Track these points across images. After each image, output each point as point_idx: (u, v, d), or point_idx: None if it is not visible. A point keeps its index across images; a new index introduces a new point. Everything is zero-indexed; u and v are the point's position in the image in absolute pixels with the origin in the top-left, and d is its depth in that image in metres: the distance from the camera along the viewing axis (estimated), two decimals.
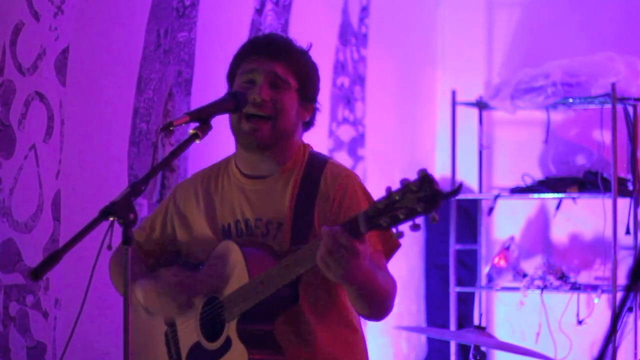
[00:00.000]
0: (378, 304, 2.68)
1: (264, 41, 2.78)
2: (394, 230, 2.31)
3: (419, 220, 2.28)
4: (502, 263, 5.62)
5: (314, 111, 2.81)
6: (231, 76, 2.79)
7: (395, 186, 2.30)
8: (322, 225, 2.51)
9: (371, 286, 2.57)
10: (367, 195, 2.74)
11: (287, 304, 2.66)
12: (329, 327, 2.74)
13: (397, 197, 2.27)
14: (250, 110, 2.69)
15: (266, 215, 2.73)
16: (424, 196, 2.23)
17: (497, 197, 5.59)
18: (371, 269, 2.54)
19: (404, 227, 2.31)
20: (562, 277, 5.44)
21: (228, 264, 2.68)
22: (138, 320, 2.84)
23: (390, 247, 2.76)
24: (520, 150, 5.78)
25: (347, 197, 2.70)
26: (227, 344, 2.66)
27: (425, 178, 2.24)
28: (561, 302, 5.48)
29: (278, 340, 2.66)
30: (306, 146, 2.82)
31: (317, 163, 2.77)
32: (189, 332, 2.79)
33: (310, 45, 2.81)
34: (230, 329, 2.65)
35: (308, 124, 2.83)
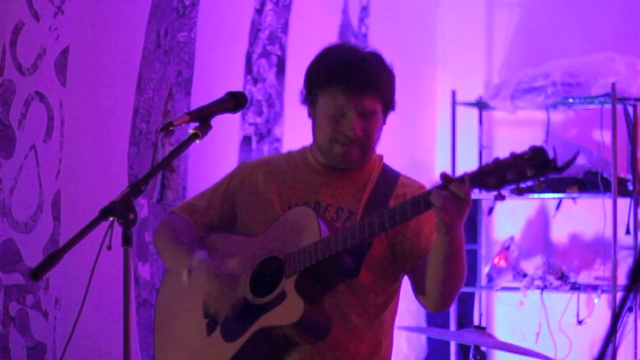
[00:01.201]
0: (456, 279, 2.78)
1: (354, 77, 2.78)
2: (495, 192, 2.38)
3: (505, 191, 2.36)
4: (502, 263, 5.62)
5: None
6: (312, 92, 2.81)
7: None
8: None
9: (460, 247, 2.65)
10: None
11: (348, 274, 2.68)
12: (370, 321, 2.80)
13: (505, 163, 2.36)
14: (344, 141, 2.75)
15: (339, 202, 2.79)
16: (536, 163, 2.32)
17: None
18: (462, 233, 2.63)
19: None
20: (562, 277, 5.44)
21: (299, 225, 2.70)
22: (173, 281, 2.83)
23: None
24: (520, 150, 5.77)
25: None
26: (281, 296, 2.64)
27: (536, 149, 2.33)
28: (561, 302, 5.48)
29: (327, 311, 2.67)
30: (379, 157, 2.91)
31: (391, 171, 2.89)
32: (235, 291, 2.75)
33: (381, 55, 2.89)
34: (287, 283, 2.64)
35: None
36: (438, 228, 2.57)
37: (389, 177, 2.86)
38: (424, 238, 2.77)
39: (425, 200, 2.51)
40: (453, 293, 2.81)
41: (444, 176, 2.49)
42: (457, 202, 2.47)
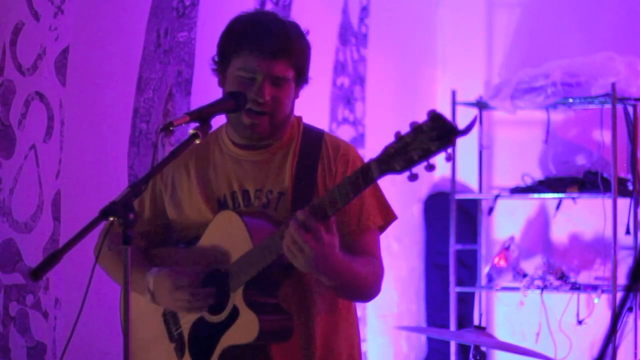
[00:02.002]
0: (357, 293, 2.69)
1: (265, 38, 2.70)
2: (407, 172, 2.27)
3: (433, 160, 2.24)
4: (502, 263, 5.62)
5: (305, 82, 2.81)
6: (224, 57, 2.75)
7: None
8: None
9: (346, 277, 2.57)
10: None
11: (291, 270, 2.64)
12: (328, 294, 2.73)
13: (408, 139, 2.24)
14: (252, 108, 2.69)
15: (267, 186, 2.73)
16: (437, 134, 2.19)
17: (497, 197, 5.59)
18: (345, 259, 2.54)
19: (419, 169, 2.26)
20: (562, 277, 5.44)
21: (229, 233, 2.67)
22: (134, 303, 2.82)
23: (388, 220, 2.76)
24: (520, 150, 5.78)
25: (349, 168, 2.70)
26: (235, 313, 2.64)
27: (435, 117, 2.20)
28: (561, 302, 5.48)
29: (283, 305, 2.66)
30: (299, 118, 2.82)
31: (314, 134, 2.79)
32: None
33: (308, 31, 2.78)
34: (237, 298, 2.63)
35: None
36: (303, 270, 2.51)
37: (312, 141, 2.76)
38: (354, 218, 2.71)
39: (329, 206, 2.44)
40: (364, 296, 2.74)
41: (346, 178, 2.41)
42: (308, 238, 2.41)
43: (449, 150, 2.20)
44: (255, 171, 2.76)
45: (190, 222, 2.81)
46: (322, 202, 2.45)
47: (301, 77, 2.76)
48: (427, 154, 2.21)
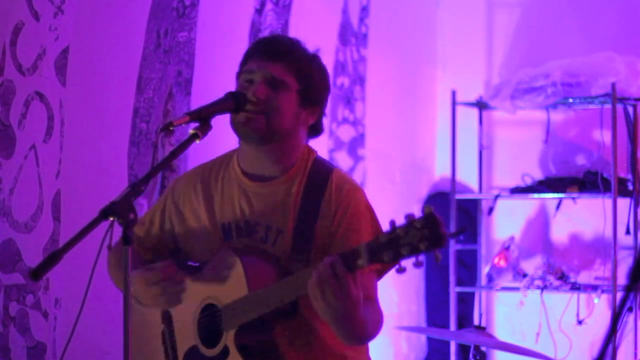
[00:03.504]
0: (357, 340, 2.66)
1: (264, 42, 2.79)
2: (396, 266, 2.30)
3: (422, 257, 2.28)
4: (502, 263, 5.62)
5: (319, 115, 2.79)
6: (238, 75, 2.79)
7: (398, 218, 2.29)
8: (321, 237, 2.52)
9: (357, 328, 2.55)
10: (370, 212, 2.73)
11: (286, 316, 2.64)
12: (329, 336, 2.70)
13: (400, 233, 2.27)
14: (247, 107, 2.68)
15: (266, 221, 2.72)
16: (427, 235, 2.23)
17: (497, 197, 5.59)
18: (363, 319, 2.51)
19: (407, 263, 2.30)
20: (562, 277, 5.44)
21: (227, 273, 2.67)
22: (135, 317, 2.83)
23: (386, 266, 2.71)
24: (520, 150, 5.78)
25: (348, 215, 2.68)
26: (225, 352, 2.65)
27: (429, 217, 2.23)
28: (561, 302, 5.48)
29: (278, 346, 2.65)
30: (311, 151, 2.80)
31: (322, 170, 2.76)
32: (186, 334, 2.78)
33: (317, 50, 2.81)
34: (228, 339, 2.64)
35: (315, 129, 2.80)
36: (323, 317, 2.49)
37: (319, 180, 2.74)
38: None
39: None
40: (359, 342, 2.71)
41: (339, 254, 2.41)
42: (334, 283, 2.39)
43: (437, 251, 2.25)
44: (258, 204, 2.74)
45: (196, 244, 2.82)
46: (356, 252, 2.41)
47: (307, 94, 2.72)
48: (415, 251, 2.26)
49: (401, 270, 2.30)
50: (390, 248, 2.29)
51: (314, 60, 2.77)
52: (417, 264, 2.28)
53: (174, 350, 2.82)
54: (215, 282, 2.71)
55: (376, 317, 2.67)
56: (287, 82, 2.69)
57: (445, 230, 2.22)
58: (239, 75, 2.77)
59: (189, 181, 2.88)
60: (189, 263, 2.87)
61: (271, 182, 2.75)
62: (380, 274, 2.74)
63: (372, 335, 2.66)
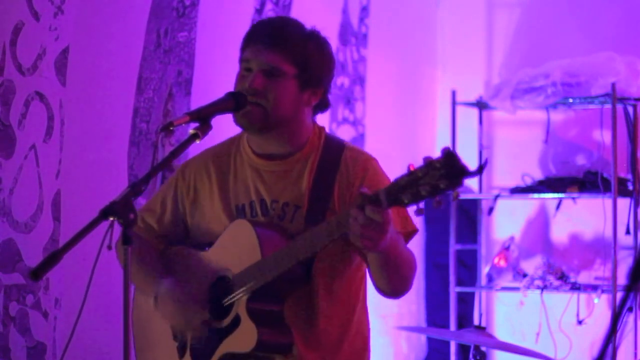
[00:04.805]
0: (402, 275, 2.66)
1: (262, 29, 2.74)
2: (414, 207, 2.28)
3: (422, 204, 2.27)
4: (502, 263, 5.62)
5: (324, 93, 2.78)
6: (240, 61, 2.77)
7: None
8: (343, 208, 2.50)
9: (396, 253, 2.56)
10: (387, 178, 2.71)
11: (299, 284, 2.64)
12: (339, 308, 2.73)
13: (420, 174, 2.25)
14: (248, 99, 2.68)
15: (283, 197, 2.72)
16: (447, 172, 2.20)
17: (497, 197, 5.59)
18: (396, 237, 2.53)
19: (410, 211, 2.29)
20: (562, 277, 5.44)
21: (240, 242, 2.66)
22: (146, 300, 2.83)
23: (409, 231, 2.73)
24: (520, 150, 5.78)
25: (367, 179, 2.69)
26: (236, 321, 2.64)
27: (449, 155, 2.20)
28: (561, 302, 5.48)
29: (286, 320, 2.65)
30: (322, 129, 2.80)
31: (334, 146, 2.76)
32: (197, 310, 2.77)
33: (318, 32, 2.77)
34: (240, 306, 2.63)
35: (320, 106, 2.80)
36: (361, 250, 2.51)
37: (332, 153, 2.74)
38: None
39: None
40: (405, 281, 2.70)
41: (360, 196, 2.39)
42: (375, 226, 2.38)
43: (438, 198, 2.24)
44: (273, 182, 2.74)
45: (209, 228, 2.81)
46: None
47: (306, 77, 2.71)
48: (435, 190, 2.23)
49: (420, 213, 2.28)
50: (409, 189, 2.27)
51: (310, 40, 2.73)
52: (418, 212, 2.26)
53: (184, 334, 2.79)
54: (227, 253, 2.70)
55: (412, 255, 2.67)
56: (283, 70, 2.67)
57: (465, 165, 2.20)
58: (240, 61, 2.76)
59: (201, 163, 2.86)
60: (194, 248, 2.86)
61: (285, 160, 2.75)
62: (406, 240, 2.72)
63: (413, 270, 2.66)
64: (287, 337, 2.65)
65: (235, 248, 2.69)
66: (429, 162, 2.23)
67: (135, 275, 2.88)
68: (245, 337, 2.61)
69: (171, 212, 2.88)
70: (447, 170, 2.20)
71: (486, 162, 2.29)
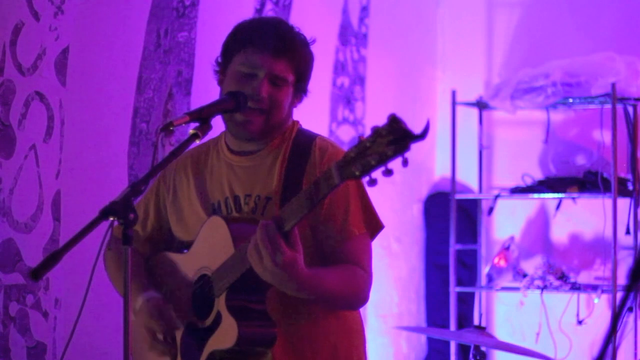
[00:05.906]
0: (334, 305, 2.68)
1: (267, 34, 2.74)
2: (367, 177, 2.25)
3: (391, 165, 2.23)
4: (502, 263, 5.62)
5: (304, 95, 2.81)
6: (227, 54, 2.77)
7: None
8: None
9: (315, 292, 2.56)
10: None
11: None
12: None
13: (367, 144, 2.23)
14: (249, 104, 2.69)
15: (255, 191, 2.73)
16: (393, 139, 2.18)
17: (497, 197, 5.59)
18: (312, 275, 2.52)
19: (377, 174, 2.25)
20: (562, 277, 5.44)
21: (215, 239, 2.67)
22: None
23: (374, 228, 2.74)
24: (520, 150, 5.78)
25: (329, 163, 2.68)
26: (218, 319, 2.64)
27: (393, 120, 2.19)
28: (561, 302, 5.48)
29: (269, 312, 2.65)
30: (295, 122, 2.82)
31: (305, 138, 2.77)
32: (182, 312, 2.78)
33: (313, 40, 2.80)
34: (220, 304, 2.64)
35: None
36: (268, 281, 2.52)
37: (303, 145, 2.75)
38: (338, 224, 2.69)
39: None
40: (345, 306, 2.73)
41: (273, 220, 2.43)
42: (269, 247, 2.42)
43: (406, 154, 2.20)
44: (246, 177, 2.75)
45: (189, 227, 2.82)
46: (284, 214, 2.44)
47: (300, 85, 2.75)
48: (383, 158, 2.20)
49: (372, 182, 2.25)
50: (358, 160, 2.24)
51: (306, 47, 2.77)
52: (386, 172, 2.22)
53: (172, 332, 2.79)
54: (204, 251, 2.71)
55: (355, 280, 2.66)
56: (288, 79, 2.71)
57: (410, 129, 2.18)
58: (229, 58, 2.74)
59: (180, 165, 2.87)
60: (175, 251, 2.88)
61: (257, 154, 2.76)
62: (373, 234, 2.73)
63: (349, 297, 2.66)
64: (269, 329, 2.65)
65: (211, 245, 2.70)
66: (375, 130, 2.22)
67: (117, 281, 2.90)
68: (227, 333, 2.61)
69: (155, 217, 2.91)
70: (393, 136, 2.18)
71: (428, 125, 2.22)
